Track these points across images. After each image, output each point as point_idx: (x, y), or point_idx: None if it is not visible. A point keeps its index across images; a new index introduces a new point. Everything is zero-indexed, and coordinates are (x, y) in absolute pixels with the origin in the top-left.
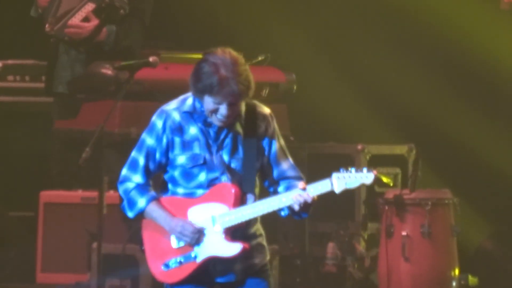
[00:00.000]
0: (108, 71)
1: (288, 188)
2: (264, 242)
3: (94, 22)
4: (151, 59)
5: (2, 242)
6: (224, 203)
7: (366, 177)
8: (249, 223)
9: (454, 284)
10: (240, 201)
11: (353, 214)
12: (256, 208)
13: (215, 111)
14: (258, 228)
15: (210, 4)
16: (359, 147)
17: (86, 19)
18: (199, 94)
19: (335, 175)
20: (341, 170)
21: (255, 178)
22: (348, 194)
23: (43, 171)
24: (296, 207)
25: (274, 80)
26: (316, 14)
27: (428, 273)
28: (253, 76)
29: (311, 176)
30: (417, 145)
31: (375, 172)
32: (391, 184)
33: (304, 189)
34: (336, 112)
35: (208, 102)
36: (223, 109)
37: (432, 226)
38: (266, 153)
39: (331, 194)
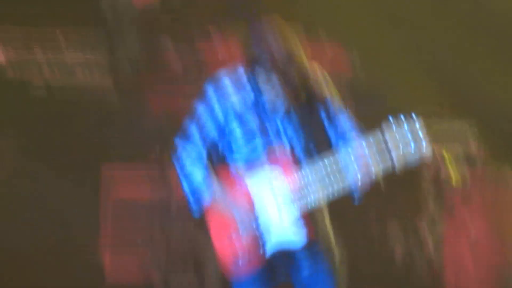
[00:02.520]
0: None
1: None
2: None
3: None
4: None
5: None
6: (279, 166)
7: None
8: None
9: None
10: (295, 164)
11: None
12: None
13: (271, 83)
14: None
15: None
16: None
17: None
18: (251, 66)
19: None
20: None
21: (311, 143)
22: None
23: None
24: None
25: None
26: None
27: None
28: (312, 51)
29: None
30: (479, 121)
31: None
32: (453, 162)
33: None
34: (397, 85)
35: (263, 76)
36: (278, 81)
37: (495, 204)
38: (321, 116)
39: None
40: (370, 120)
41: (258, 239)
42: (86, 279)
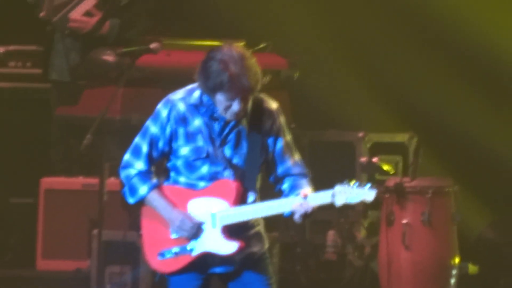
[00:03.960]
0: (109, 57)
1: (292, 187)
2: (262, 230)
3: (97, 16)
4: (153, 45)
5: (3, 228)
6: (225, 199)
7: (368, 194)
8: None
9: (454, 272)
10: (241, 198)
11: None
12: (256, 210)
13: (228, 107)
14: (256, 218)
15: None
16: (360, 134)
17: (88, 13)
18: (210, 92)
19: (337, 187)
20: (344, 183)
21: (257, 175)
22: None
23: (44, 158)
24: (296, 216)
25: (275, 67)
26: (320, 2)
27: (428, 261)
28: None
29: (312, 164)
30: (418, 133)
31: (377, 188)
32: (392, 172)
33: (305, 196)
34: (337, 100)
35: (220, 100)
36: (235, 105)
37: (433, 214)
38: (270, 149)
39: (332, 181)
40: (316, 136)
41: (187, 241)
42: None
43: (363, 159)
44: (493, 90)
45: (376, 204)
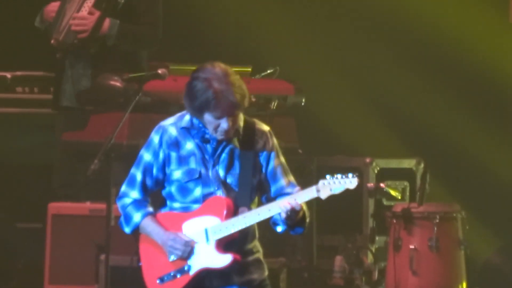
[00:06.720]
0: (116, 83)
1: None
2: (262, 258)
3: (97, 14)
4: (160, 71)
5: (10, 253)
6: (216, 215)
7: (350, 182)
8: (246, 239)
9: None
10: (233, 213)
11: (361, 227)
12: (245, 219)
13: (217, 127)
14: (256, 245)
15: (219, 18)
16: (368, 160)
17: (89, 13)
18: (198, 113)
19: (321, 182)
20: (327, 176)
21: (250, 194)
22: (356, 207)
23: (51, 183)
24: (284, 215)
25: (282, 92)
26: (326, 28)
27: (435, 286)
28: (262, 89)
29: None
30: (425, 159)
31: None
32: (399, 197)
33: (291, 196)
34: (344, 125)
35: (209, 119)
36: (224, 123)
37: (440, 239)
38: (263, 169)
39: (339, 207)
40: (323, 162)
41: (184, 260)
42: None
43: (371, 185)
44: (500, 116)
45: (383, 229)
